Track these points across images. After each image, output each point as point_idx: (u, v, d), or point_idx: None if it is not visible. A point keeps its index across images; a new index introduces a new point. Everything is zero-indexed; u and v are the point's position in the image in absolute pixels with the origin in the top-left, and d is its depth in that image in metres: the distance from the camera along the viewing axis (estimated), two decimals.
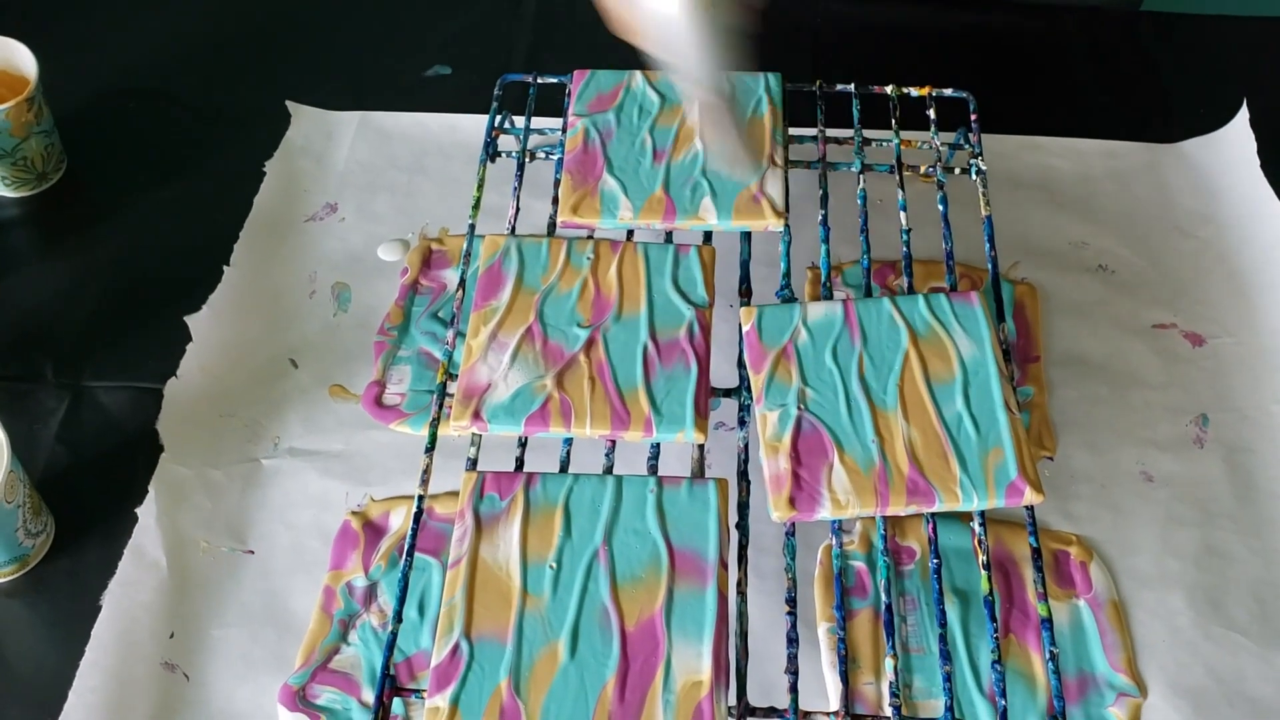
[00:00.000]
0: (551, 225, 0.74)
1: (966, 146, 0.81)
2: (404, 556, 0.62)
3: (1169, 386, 0.80)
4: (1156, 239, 0.88)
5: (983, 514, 0.63)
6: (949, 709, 0.58)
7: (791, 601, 0.61)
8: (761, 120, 0.75)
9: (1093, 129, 0.93)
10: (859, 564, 0.72)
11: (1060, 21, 1.02)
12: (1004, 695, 0.58)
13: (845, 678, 0.60)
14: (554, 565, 0.60)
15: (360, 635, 0.70)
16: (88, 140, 0.94)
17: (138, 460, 0.76)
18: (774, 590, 0.69)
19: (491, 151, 0.80)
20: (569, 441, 0.66)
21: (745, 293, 0.71)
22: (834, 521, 0.63)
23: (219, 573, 0.73)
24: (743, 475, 0.65)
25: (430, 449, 0.66)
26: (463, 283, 0.72)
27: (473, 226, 0.74)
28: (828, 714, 0.59)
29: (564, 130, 0.77)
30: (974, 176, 0.77)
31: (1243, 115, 0.91)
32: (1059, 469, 0.77)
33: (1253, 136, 0.89)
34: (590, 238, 0.72)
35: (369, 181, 0.91)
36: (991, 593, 0.61)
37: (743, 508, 0.64)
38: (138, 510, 0.74)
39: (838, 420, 0.63)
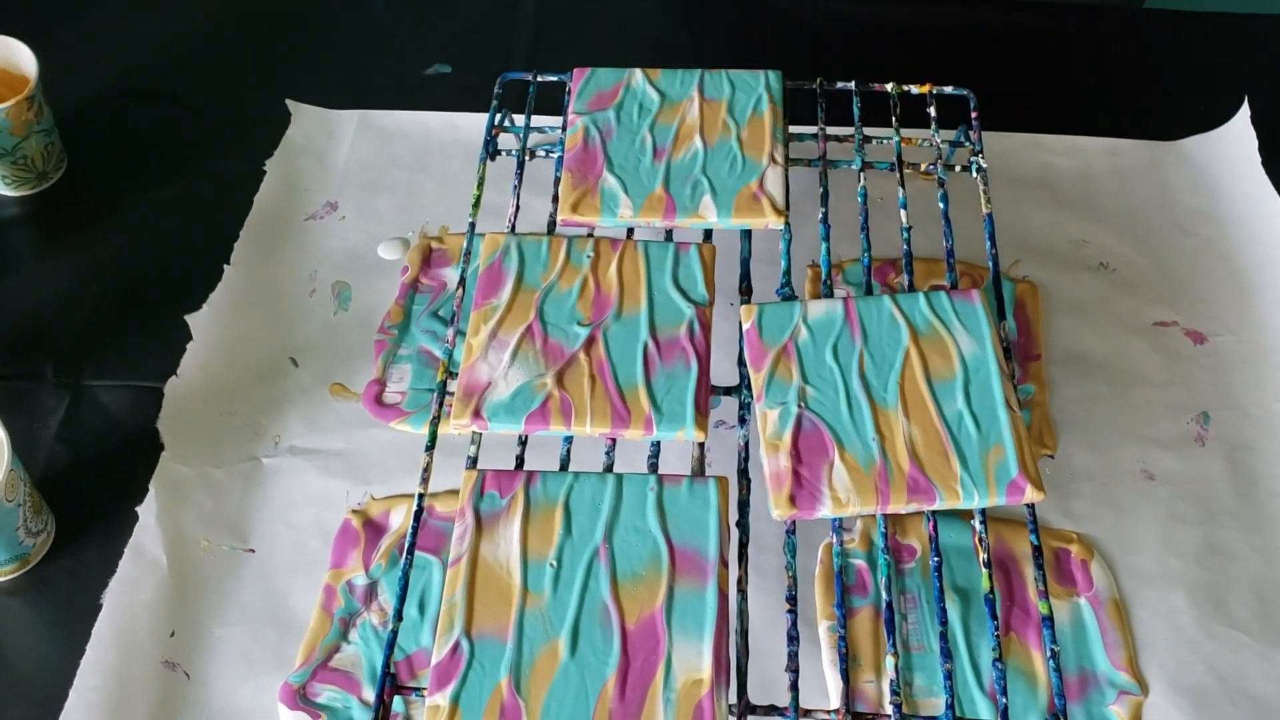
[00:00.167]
0: (552, 223, 0.74)
1: (967, 144, 0.80)
2: (404, 555, 0.62)
3: (1170, 384, 0.80)
4: (1157, 237, 0.88)
5: (983, 512, 0.63)
6: (950, 707, 0.58)
7: (792, 599, 0.60)
8: (762, 118, 0.75)
9: (1094, 126, 0.93)
10: (859, 562, 0.72)
11: (1061, 19, 1.02)
12: (1005, 693, 0.58)
13: (846, 676, 0.59)
14: (554, 563, 0.59)
15: (361, 634, 0.70)
16: (88, 139, 0.94)
17: (138, 459, 0.76)
18: (774, 588, 0.69)
19: (492, 150, 0.80)
20: (569, 440, 0.66)
21: (746, 291, 0.71)
22: (834, 519, 0.63)
23: (219, 571, 0.73)
24: (743, 473, 0.65)
25: (430, 447, 0.66)
26: (463, 281, 0.72)
27: (473, 225, 0.74)
28: (828, 712, 0.59)
29: (564, 128, 0.77)
30: (975, 174, 0.77)
31: (1244, 113, 0.90)
32: (1060, 467, 0.77)
33: (1254, 134, 0.89)
34: (590, 236, 0.72)
35: (369, 180, 0.91)
36: (992, 591, 0.61)
37: (743, 506, 0.64)
38: (138, 509, 0.74)
39: (838, 418, 0.63)
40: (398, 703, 0.67)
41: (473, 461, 0.66)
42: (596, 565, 0.59)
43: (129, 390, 0.80)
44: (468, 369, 0.66)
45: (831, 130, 0.79)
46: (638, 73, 0.78)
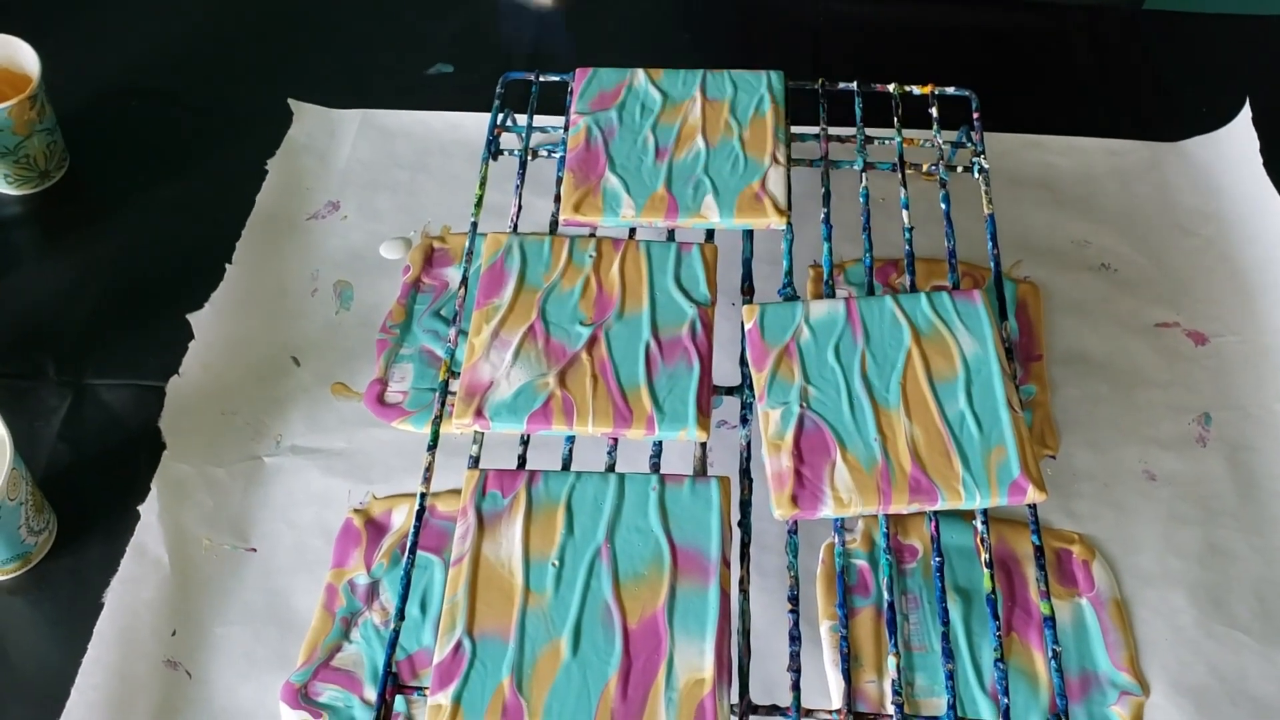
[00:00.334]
0: (554, 223, 0.74)
1: (969, 145, 0.81)
2: (406, 554, 0.62)
3: (1171, 385, 0.80)
4: (1159, 237, 0.88)
5: (985, 512, 0.63)
6: (951, 707, 0.58)
7: (794, 599, 0.61)
8: (764, 118, 0.75)
9: (1095, 127, 0.93)
10: (861, 562, 0.72)
11: (1063, 19, 1.02)
12: (1006, 693, 0.58)
13: (847, 676, 0.60)
14: (556, 563, 0.60)
15: (362, 633, 0.70)
16: (90, 138, 0.94)
17: (140, 458, 0.76)
18: (776, 588, 0.69)
19: (494, 149, 0.80)
20: (571, 439, 0.66)
21: (747, 291, 0.71)
22: (836, 519, 0.63)
23: (221, 570, 0.73)
24: (745, 473, 0.65)
25: (432, 447, 0.66)
26: (465, 281, 0.72)
27: (475, 224, 0.74)
28: (830, 712, 0.59)
29: (566, 128, 0.77)
30: (976, 175, 0.77)
31: (1245, 113, 0.90)
32: (1061, 467, 0.77)
33: (1255, 135, 0.89)
34: (592, 236, 0.72)
35: (371, 179, 0.91)
36: (994, 591, 0.61)
37: (745, 506, 0.64)
38: (140, 508, 0.74)
39: (840, 418, 0.63)
40: (399, 702, 0.67)
41: (475, 461, 0.66)
42: (598, 565, 0.59)
43: (131, 389, 0.80)
44: (470, 368, 0.66)
45: (833, 130, 0.79)
46: (640, 73, 0.78)
